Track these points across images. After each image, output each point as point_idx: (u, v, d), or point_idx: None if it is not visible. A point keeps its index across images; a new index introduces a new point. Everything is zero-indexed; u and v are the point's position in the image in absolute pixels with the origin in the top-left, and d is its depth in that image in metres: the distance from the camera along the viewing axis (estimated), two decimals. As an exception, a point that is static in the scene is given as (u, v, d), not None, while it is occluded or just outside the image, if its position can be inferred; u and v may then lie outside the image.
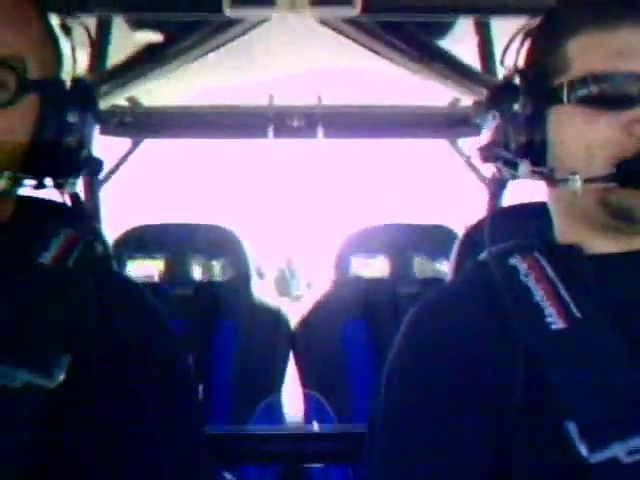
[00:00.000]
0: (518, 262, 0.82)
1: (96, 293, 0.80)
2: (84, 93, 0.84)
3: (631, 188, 0.74)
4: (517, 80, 0.83)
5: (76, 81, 0.84)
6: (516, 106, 0.81)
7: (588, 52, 0.78)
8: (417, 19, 1.38)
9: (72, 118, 0.81)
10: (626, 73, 0.75)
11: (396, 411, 0.81)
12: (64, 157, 0.81)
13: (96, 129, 0.87)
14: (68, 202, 0.89)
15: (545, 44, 0.83)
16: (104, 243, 1.07)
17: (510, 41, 0.86)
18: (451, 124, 2.21)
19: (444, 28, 1.50)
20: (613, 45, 0.76)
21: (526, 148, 0.81)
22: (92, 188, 2.17)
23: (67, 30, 0.86)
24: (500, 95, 0.83)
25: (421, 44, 1.43)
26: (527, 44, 0.85)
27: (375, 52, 1.44)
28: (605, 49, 0.77)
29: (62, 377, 0.74)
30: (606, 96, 0.75)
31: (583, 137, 0.77)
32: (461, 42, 1.49)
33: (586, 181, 0.76)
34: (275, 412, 2.03)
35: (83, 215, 0.96)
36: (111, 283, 0.86)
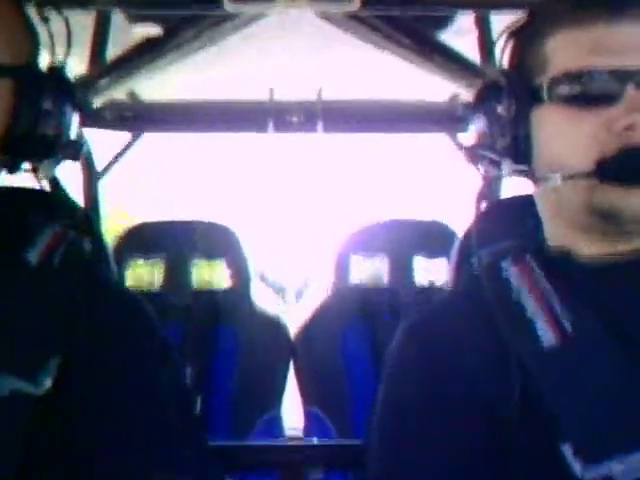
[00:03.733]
0: (510, 268, 0.82)
1: (82, 297, 0.78)
2: (60, 79, 0.84)
3: (611, 184, 0.74)
4: (501, 80, 0.83)
5: (52, 68, 0.84)
6: (500, 107, 0.81)
7: (565, 50, 0.77)
8: (417, 13, 1.38)
9: (47, 104, 0.80)
10: (603, 70, 0.74)
11: (392, 421, 0.81)
12: (39, 141, 0.80)
13: (75, 116, 0.87)
14: (45, 188, 0.88)
15: (526, 43, 0.83)
16: (99, 237, 1.06)
17: (496, 41, 0.86)
18: (451, 118, 2.20)
19: (444, 21, 1.50)
20: (588, 42, 0.76)
21: (509, 148, 0.81)
22: (90, 181, 2.16)
23: (44, 19, 0.86)
24: (485, 96, 0.84)
25: (421, 38, 1.43)
26: (512, 44, 0.85)
27: (375, 45, 1.44)
28: (581, 47, 0.76)
29: (50, 383, 0.72)
30: (585, 95, 0.75)
31: (564, 136, 0.77)
32: (461, 35, 1.49)
33: (565, 178, 0.76)
34: (275, 427, 2.01)
35: (69, 206, 0.95)
36: (97, 282, 0.84)
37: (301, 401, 2.05)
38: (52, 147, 0.82)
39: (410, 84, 1.96)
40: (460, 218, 1.99)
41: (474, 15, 1.47)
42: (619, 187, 0.74)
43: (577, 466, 0.69)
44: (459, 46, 1.49)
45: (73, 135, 0.86)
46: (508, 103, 0.80)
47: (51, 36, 0.85)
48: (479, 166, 0.86)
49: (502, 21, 1.46)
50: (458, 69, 1.49)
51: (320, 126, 2.11)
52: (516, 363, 0.74)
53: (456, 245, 1.17)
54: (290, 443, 1.57)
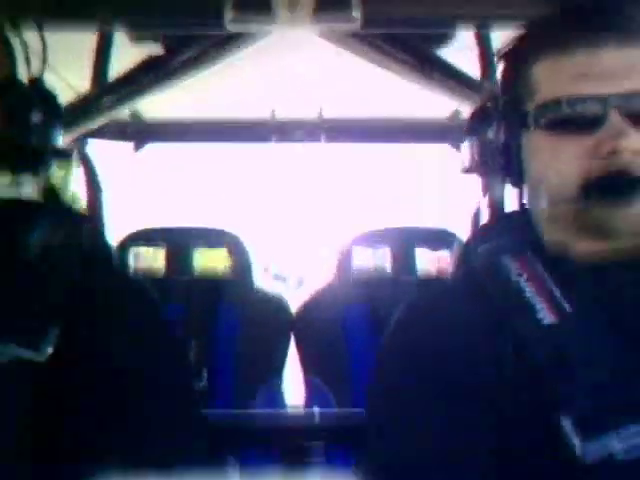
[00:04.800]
0: (510, 262, 0.83)
1: (79, 277, 0.81)
2: (42, 91, 0.86)
3: (597, 207, 0.76)
4: (492, 105, 0.86)
5: (33, 81, 0.86)
6: (491, 132, 0.84)
7: (549, 78, 0.79)
8: (417, 31, 1.39)
9: (35, 119, 0.82)
10: (585, 97, 0.76)
11: (390, 399, 0.82)
12: (28, 156, 0.83)
13: (60, 127, 0.88)
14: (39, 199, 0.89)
15: (514, 69, 0.84)
16: (105, 245, 1.07)
17: (485, 63, 0.87)
18: (452, 133, 2.21)
19: (445, 39, 1.50)
20: (571, 69, 0.77)
21: (501, 171, 0.84)
22: (94, 194, 2.17)
23: (16, 29, 0.88)
24: (477, 120, 0.87)
25: (422, 55, 1.43)
26: (502, 66, 0.87)
27: (376, 64, 1.44)
28: (564, 73, 0.77)
29: (50, 351, 0.75)
30: (569, 121, 0.77)
31: (552, 160, 0.78)
32: (462, 52, 1.49)
33: (552, 204, 0.79)
34: (276, 396, 2.04)
35: (66, 207, 0.96)
36: (95, 262, 0.87)
37: (302, 372, 2.08)
38: (41, 158, 0.84)
39: (412, 100, 1.97)
40: (463, 227, 1.99)
41: (474, 32, 1.48)
42: (605, 207, 0.76)
43: (576, 440, 0.70)
44: (460, 63, 1.49)
45: (60, 143, 0.88)
46: (498, 127, 0.84)
47: (26, 47, 0.87)
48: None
49: (503, 38, 1.46)
50: (459, 86, 1.50)
51: (322, 139, 2.12)
52: (513, 342, 0.76)
53: (456, 256, 1.17)
54: (291, 413, 1.57)
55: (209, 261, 2.24)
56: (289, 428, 1.31)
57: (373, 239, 2.26)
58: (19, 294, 0.78)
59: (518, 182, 0.84)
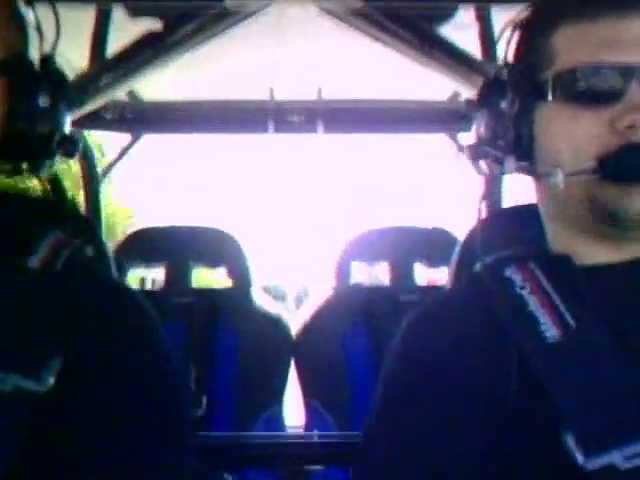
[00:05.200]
0: (513, 273, 0.81)
1: (84, 296, 0.78)
2: (53, 71, 0.82)
3: (612, 182, 0.73)
4: (505, 76, 0.82)
5: (45, 60, 0.81)
6: (504, 103, 0.80)
7: (572, 45, 0.76)
8: (418, 8, 1.38)
9: (43, 99, 0.79)
10: (609, 65, 0.73)
11: (391, 408, 0.81)
12: (37, 139, 0.79)
13: (69, 111, 0.85)
14: (47, 187, 0.87)
15: (532, 36, 0.82)
16: (99, 242, 1.06)
17: (499, 35, 0.85)
18: (451, 118, 2.20)
19: (445, 17, 1.49)
20: (596, 36, 0.75)
21: (513, 145, 0.80)
22: (91, 183, 2.16)
23: (29, 3, 0.82)
24: (488, 91, 0.83)
25: (422, 33, 1.42)
26: (516, 38, 0.84)
27: (376, 40, 1.43)
28: (588, 41, 0.75)
29: (52, 381, 0.72)
30: (588, 92, 0.74)
31: (568, 134, 0.76)
32: (462, 31, 1.49)
33: (568, 175, 0.75)
34: (276, 424, 2.01)
35: (71, 213, 0.94)
36: (99, 286, 0.83)
37: (302, 395, 2.05)
38: (49, 145, 0.81)
39: (410, 83, 1.97)
40: (461, 223, 1.99)
41: (475, 10, 1.47)
42: (620, 185, 0.73)
43: (579, 455, 0.68)
44: (460, 41, 1.49)
45: (67, 131, 0.84)
46: (512, 99, 0.80)
47: (38, 23, 0.81)
48: (481, 164, 0.86)
49: (503, 16, 1.46)
50: (459, 65, 1.49)
51: (320, 126, 2.11)
52: (516, 356, 0.74)
53: (456, 251, 1.17)
54: (290, 440, 1.57)
55: (208, 280, 2.21)
56: (289, 451, 1.30)
57: (371, 252, 2.24)
58: (21, 313, 0.75)
59: (528, 157, 0.80)
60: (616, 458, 0.67)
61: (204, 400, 1.97)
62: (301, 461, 1.28)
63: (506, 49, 0.83)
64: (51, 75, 0.81)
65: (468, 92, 1.70)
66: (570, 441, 0.69)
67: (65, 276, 0.78)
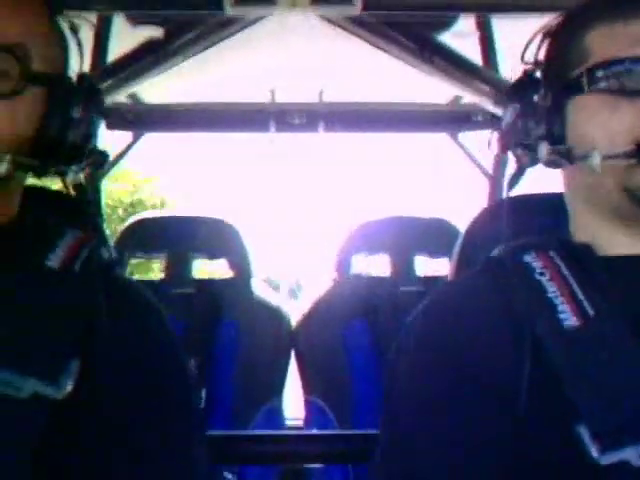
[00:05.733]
0: (533, 260, 0.82)
1: (103, 299, 0.78)
2: (89, 89, 0.84)
3: None
4: (538, 74, 0.85)
5: (81, 77, 0.84)
6: (536, 98, 0.82)
7: (606, 42, 0.79)
8: (418, 16, 1.38)
9: (77, 114, 0.81)
10: None
11: (406, 406, 0.81)
12: (68, 149, 0.81)
13: (101, 124, 0.88)
14: (72, 193, 0.88)
15: (564, 40, 0.84)
16: (105, 240, 1.07)
17: (530, 40, 0.87)
18: (452, 119, 2.20)
19: (445, 24, 1.49)
20: (631, 34, 0.77)
21: (547, 133, 0.81)
22: (92, 181, 2.16)
23: (73, 27, 0.86)
24: (521, 87, 0.85)
25: (422, 41, 1.42)
26: (546, 43, 0.86)
27: (376, 48, 1.44)
28: (622, 38, 0.78)
29: (70, 386, 0.71)
30: (623, 84, 0.76)
31: (603, 125, 0.77)
32: (462, 38, 1.49)
33: (605, 157, 0.76)
34: (276, 417, 2.02)
35: (88, 212, 0.95)
36: (117, 289, 0.84)
37: (302, 390, 2.06)
38: (80, 154, 0.82)
39: (411, 86, 1.97)
40: (461, 216, 1.99)
41: (475, 18, 1.47)
42: None
43: (593, 450, 0.69)
44: (460, 49, 1.49)
45: (100, 143, 0.87)
46: (545, 94, 0.82)
47: (79, 45, 0.86)
48: (514, 153, 0.86)
49: (503, 24, 1.46)
50: (459, 71, 1.49)
51: (321, 127, 2.11)
52: (531, 345, 0.74)
53: (459, 242, 1.16)
54: (290, 433, 1.57)
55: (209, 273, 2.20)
56: (288, 448, 1.30)
57: (371, 244, 2.23)
58: (40, 315, 0.75)
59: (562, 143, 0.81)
60: (630, 455, 0.68)
61: (203, 393, 1.97)
62: (301, 458, 1.29)
63: (537, 51, 0.85)
64: (88, 90, 0.83)
65: (469, 96, 1.71)
66: (585, 435, 0.69)
67: (83, 277, 0.79)
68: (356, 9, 1.23)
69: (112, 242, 2.09)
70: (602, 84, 0.77)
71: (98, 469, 0.74)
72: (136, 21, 1.45)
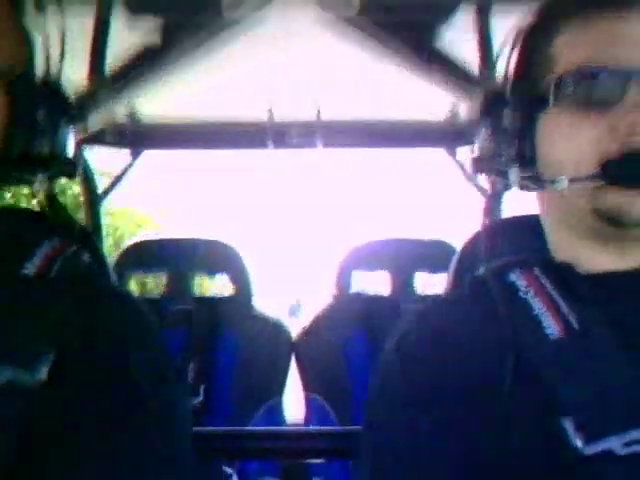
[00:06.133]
0: (518, 278, 0.82)
1: (79, 297, 0.79)
2: (55, 92, 0.83)
3: (617, 186, 0.74)
4: (506, 88, 0.83)
5: (47, 79, 0.82)
6: (505, 115, 0.81)
7: (568, 49, 0.77)
8: (416, 20, 1.38)
9: (41, 115, 0.79)
10: (607, 67, 0.74)
11: (382, 418, 0.81)
12: (31, 155, 0.80)
13: (71, 130, 0.86)
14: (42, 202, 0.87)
15: (532, 44, 0.83)
16: (99, 255, 1.06)
17: (500, 48, 0.85)
18: (449, 134, 2.21)
19: (444, 29, 1.50)
20: (594, 38, 0.76)
21: (516, 157, 0.80)
22: (92, 202, 2.16)
23: (39, 27, 0.84)
24: (488, 105, 0.83)
25: (419, 44, 1.43)
26: (515, 50, 0.85)
27: (372, 52, 1.44)
28: (587, 43, 0.76)
29: (44, 374, 0.73)
30: (589, 95, 0.75)
31: (569, 141, 0.76)
32: (460, 43, 1.49)
33: (572, 181, 0.75)
34: (276, 415, 2.03)
35: (67, 222, 0.94)
36: (94, 293, 0.84)
37: (302, 388, 2.06)
38: (45, 162, 0.81)
39: (409, 102, 1.97)
40: (460, 234, 1.98)
41: (474, 21, 1.47)
42: (624, 190, 0.73)
43: (578, 441, 0.69)
44: (457, 54, 1.49)
45: (70, 151, 0.85)
46: (513, 112, 0.80)
47: (46, 45, 0.83)
48: (486, 177, 0.86)
49: (502, 28, 1.46)
50: (456, 77, 1.49)
51: (319, 143, 2.12)
52: (514, 353, 0.75)
53: (454, 260, 1.16)
54: (290, 429, 1.56)
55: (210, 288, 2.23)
56: (288, 444, 1.30)
57: (371, 261, 2.24)
58: (16, 314, 0.76)
59: (530, 167, 0.80)
60: (614, 444, 0.68)
61: (201, 389, 2.00)
62: (301, 454, 1.28)
63: (506, 63, 0.84)
64: (52, 93, 0.82)
65: (466, 104, 1.71)
66: (569, 427, 0.70)
67: (60, 280, 0.80)
68: (352, 10, 1.24)
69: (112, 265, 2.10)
70: (568, 96, 0.76)
71: (78, 451, 0.73)
72: (133, 28, 1.45)
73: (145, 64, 1.45)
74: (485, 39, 1.48)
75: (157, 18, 1.35)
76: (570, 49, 0.77)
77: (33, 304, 0.77)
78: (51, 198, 0.88)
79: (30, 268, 0.80)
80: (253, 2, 1.20)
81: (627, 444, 0.68)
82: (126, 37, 1.44)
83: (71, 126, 0.85)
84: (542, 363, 0.74)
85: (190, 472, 0.81)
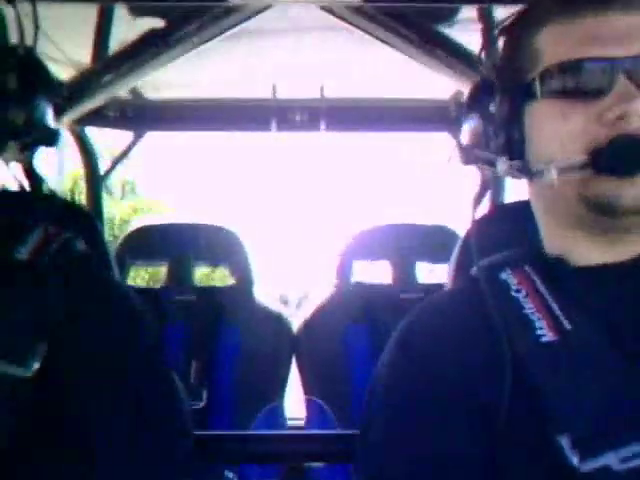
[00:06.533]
0: (509, 277, 0.82)
1: (70, 287, 0.79)
2: (27, 59, 0.82)
3: (605, 175, 0.74)
4: (493, 78, 0.82)
5: (13, 49, 0.82)
6: (492, 105, 0.81)
7: (555, 43, 0.77)
8: (420, 6, 1.38)
9: (11, 84, 0.79)
10: (594, 60, 0.74)
11: (382, 417, 0.81)
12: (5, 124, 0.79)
13: (48, 101, 0.84)
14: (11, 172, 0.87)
15: (517, 39, 0.82)
16: (100, 240, 1.06)
17: (487, 40, 0.85)
18: (453, 117, 2.20)
19: (447, 16, 1.49)
20: (580, 33, 0.75)
21: (504, 146, 0.80)
22: (93, 181, 2.16)
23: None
24: (477, 95, 0.83)
25: (424, 32, 1.42)
26: (503, 42, 0.85)
27: (378, 39, 1.44)
28: (571, 38, 0.76)
29: (37, 366, 0.74)
30: (575, 87, 0.75)
31: (557, 131, 0.76)
32: (464, 30, 1.49)
33: (560, 171, 0.75)
34: (277, 417, 2.02)
35: (66, 209, 0.95)
36: (87, 279, 0.85)
37: (303, 391, 2.06)
38: (17, 129, 0.81)
39: (413, 82, 1.96)
40: (464, 220, 1.98)
41: (477, 9, 1.47)
42: (613, 177, 0.73)
43: (574, 458, 0.68)
44: (462, 40, 1.49)
45: (49, 121, 0.84)
46: (501, 101, 0.80)
47: (18, 17, 0.83)
48: (475, 166, 0.86)
49: (506, 13, 1.45)
50: (460, 64, 1.49)
51: (323, 124, 2.11)
52: (511, 360, 0.74)
53: (457, 248, 1.16)
54: (291, 432, 1.57)
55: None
56: (289, 447, 1.30)
57: (372, 249, 2.23)
58: (6, 308, 0.76)
59: (520, 157, 0.80)
60: (611, 460, 0.67)
61: (204, 394, 1.98)
62: (302, 457, 1.28)
63: (494, 53, 0.85)
64: (25, 60, 0.82)
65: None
66: (565, 444, 0.69)
67: (53, 267, 0.80)
68: (358, 0, 1.23)
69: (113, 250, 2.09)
70: (555, 88, 0.76)
71: (67, 443, 0.74)
72: (137, 12, 1.45)
73: (149, 47, 1.45)
74: (488, 26, 1.48)
75: (161, 4, 1.35)
76: (554, 45, 0.77)
77: (24, 292, 0.77)
78: (29, 171, 0.87)
79: (23, 253, 0.80)
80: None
81: (624, 460, 0.67)
82: (130, 21, 1.44)
83: (50, 97, 0.84)
84: (537, 371, 0.73)
85: (188, 468, 0.83)
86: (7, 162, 0.83)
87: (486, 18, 1.46)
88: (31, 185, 0.88)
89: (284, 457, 1.28)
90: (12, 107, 0.79)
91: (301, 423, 2.13)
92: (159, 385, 0.84)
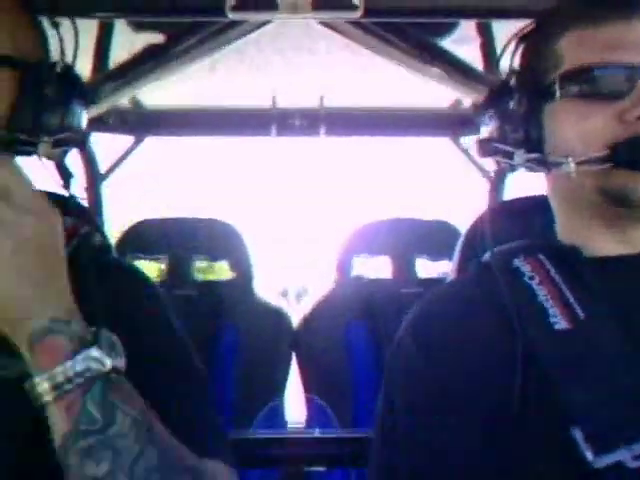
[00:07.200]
0: (522, 264, 0.83)
1: (96, 279, 0.79)
2: (66, 70, 0.86)
3: (625, 169, 0.76)
4: (513, 81, 0.85)
5: (53, 65, 0.85)
6: (512, 105, 0.84)
7: (578, 47, 0.80)
8: (419, 21, 1.38)
9: (51, 91, 0.83)
10: (615, 65, 0.77)
11: (397, 410, 0.81)
12: (39, 120, 0.82)
13: (83, 110, 0.90)
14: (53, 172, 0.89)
15: (538, 46, 0.85)
16: (104, 235, 1.08)
17: (505, 46, 0.88)
18: (454, 122, 2.21)
19: (446, 29, 1.50)
20: (601, 39, 0.78)
21: (522, 141, 0.83)
22: (94, 184, 2.16)
23: (54, 25, 0.89)
24: (497, 95, 0.86)
25: (423, 45, 1.42)
26: (521, 48, 0.88)
27: (377, 53, 1.44)
28: (594, 43, 0.79)
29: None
30: (596, 89, 0.78)
31: (576, 128, 0.79)
32: (464, 43, 1.49)
33: (579, 163, 0.77)
34: (277, 417, 2.02)
35: (79, 204, 0.96)
36: (110, 270, 0.86)
37: (303, 390, 2.06)
38: (50, 128, 0.83)
39: (412, 90, 1.97)
40: (463, 219, 1.98)
41: (476, 23, 1.48)
42: (631, 172, 0.76)
43: (588, 452, 0.69)
44: (461, 54, 1.49)
45: (80, 124, 0.89)
46: (520, 100, 0.83)
47: (60, 40, 0.88)
48: (493, 159, 0.88)
49: (504, 29, 1.46)
50: (459, 76, 1.49)
51: (322, 129, 2.11)
52: (523, 350, 0.75)
53: (459, 244, 1.17)
54: (291, 435, 1.56)
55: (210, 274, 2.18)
56: (289, 449, 1.30)
57: (372, 244, 2.23)
58: None
59: (538, 150, 0.83)
60: (625, 456, 0.68)
61: None
62: (303, 461, 1.28)
63: (512, 58, 0.87)
64: (64, 71, 0.85)
65: (470, 100, 1.71)
66: (579, 437, 0.70)
67: (74, 260, 0.79)
68: (358, 13, 1.23)
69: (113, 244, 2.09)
70: (574, 90, 0.79)
71: None
72: (138, 26, 1.45)
73: (149, 61, 1.45)
74: (487, 40, 1.48)
75: (161, 20, 1.35)
76: (576, 50, 0.80)
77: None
78: (62, 168, 0.89)
79: None
80: (258, 6, 1.19)
81: (638, 457, 0.68)
82: (131, 35, 1.45)
83: (83, 104, 0.89)
84: (550, 360, 0.74)
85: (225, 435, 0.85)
86: (40, 156, 0.85)
87: (485, 33, 1.47)
88: (62, 179, 0.91)
89: (285, 461, 1.27)
90: (49, 109, 0.83)
91: (301, 427, 2.14)
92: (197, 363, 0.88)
